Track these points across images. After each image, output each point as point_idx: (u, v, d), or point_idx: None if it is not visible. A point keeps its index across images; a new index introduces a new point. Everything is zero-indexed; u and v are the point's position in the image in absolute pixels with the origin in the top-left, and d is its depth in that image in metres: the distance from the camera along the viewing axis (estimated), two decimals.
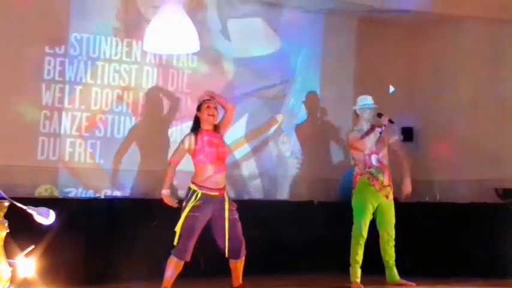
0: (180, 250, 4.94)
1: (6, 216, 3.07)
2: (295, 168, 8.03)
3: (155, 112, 7.30)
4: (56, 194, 6.51)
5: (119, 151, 6.97)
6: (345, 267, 6.01)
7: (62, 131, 6.73)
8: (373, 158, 6.07)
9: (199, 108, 5.25)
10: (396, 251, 6.12)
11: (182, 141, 5.17)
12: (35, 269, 3.33)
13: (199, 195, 4.98)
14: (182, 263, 4.98)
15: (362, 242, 5.95)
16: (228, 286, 5.21)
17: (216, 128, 5.24)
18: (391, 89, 8.45)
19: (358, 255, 5.93)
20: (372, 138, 6.10)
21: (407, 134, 8.38)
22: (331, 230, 6.92)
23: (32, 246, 3.38)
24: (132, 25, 7.16)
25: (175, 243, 4.95)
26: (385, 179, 6.05)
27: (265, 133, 7.92)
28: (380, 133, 6.08)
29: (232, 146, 7.22)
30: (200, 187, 5.01)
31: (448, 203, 7.26)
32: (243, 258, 5.12)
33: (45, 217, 3.23)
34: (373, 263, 6.03)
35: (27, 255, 3.32)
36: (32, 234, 3.95)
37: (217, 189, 5.06)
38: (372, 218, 6.08)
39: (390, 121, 6.17)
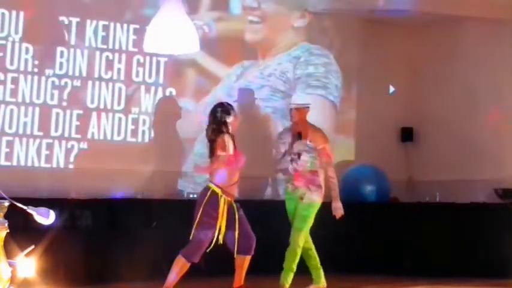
0: (190, 252, 4.92)
1: (6, 216, 3.06)
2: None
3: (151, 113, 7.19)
4: None
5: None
6: (344, 267, 6.00)
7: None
8: None
9: (231, 114, 5.14)
10: (396, 251, 6.11)
11: (224, 142, 4.97)
12: (35, 269, 3.32)
13: (225, 201, 4.97)
14: (189, 264, 4.96)
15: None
16: (229, 286, 5.20)
17: None
18: (391, 89, 8.45)
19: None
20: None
21: (407, 134, 8.38)
22: (331, 230, 6.91)
23: (32, 246, 3.37)
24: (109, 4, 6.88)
25: (191, 238, 4.90)
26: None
27: (266, 132, 7.91)
28: None
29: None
30: (224, 192, 4.98)
31: (448, 203, 7.26)
32: (252, 254, 5.08)
33: (45, 217, 3.22)
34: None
35: (27, 255, 3.31)
36: (32, 234, 3.95)
37: (233, 195, 5.09)
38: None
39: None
